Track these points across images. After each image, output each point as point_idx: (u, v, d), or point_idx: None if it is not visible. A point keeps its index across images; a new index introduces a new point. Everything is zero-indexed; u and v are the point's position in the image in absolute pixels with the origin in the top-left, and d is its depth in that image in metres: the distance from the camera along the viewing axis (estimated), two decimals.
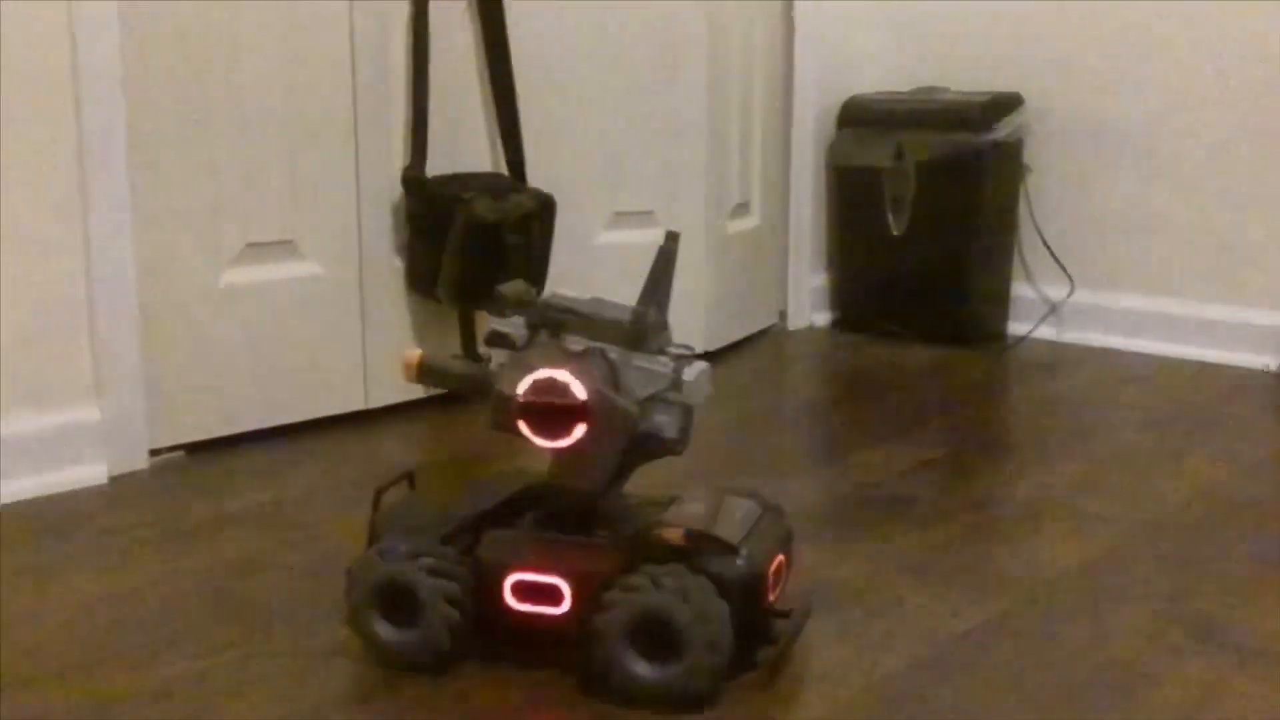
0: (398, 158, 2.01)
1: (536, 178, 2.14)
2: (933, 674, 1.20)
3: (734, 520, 1.18)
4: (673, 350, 1.18)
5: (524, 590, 1.17)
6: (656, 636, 1.09)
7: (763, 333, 2.65)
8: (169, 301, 1.79)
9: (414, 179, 2.00)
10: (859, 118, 2.64)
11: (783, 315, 2.72)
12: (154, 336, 1.77)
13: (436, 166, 2.03)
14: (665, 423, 1.15)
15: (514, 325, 1.18)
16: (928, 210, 2.54)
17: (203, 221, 1.81)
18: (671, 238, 1.18)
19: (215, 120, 1.80)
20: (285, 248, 1.90)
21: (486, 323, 1.20)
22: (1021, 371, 2.42)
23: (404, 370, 1.22)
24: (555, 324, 1.17)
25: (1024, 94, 2.58)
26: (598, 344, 1.16)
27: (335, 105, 1.92)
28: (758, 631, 1.19)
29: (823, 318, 2.75)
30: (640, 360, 1.16)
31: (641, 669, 1.11)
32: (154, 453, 1.79)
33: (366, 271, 1.99)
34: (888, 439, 1.95)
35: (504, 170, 2.13)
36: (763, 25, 2.52)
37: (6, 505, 1.61)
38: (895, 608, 1.34)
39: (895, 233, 2.58)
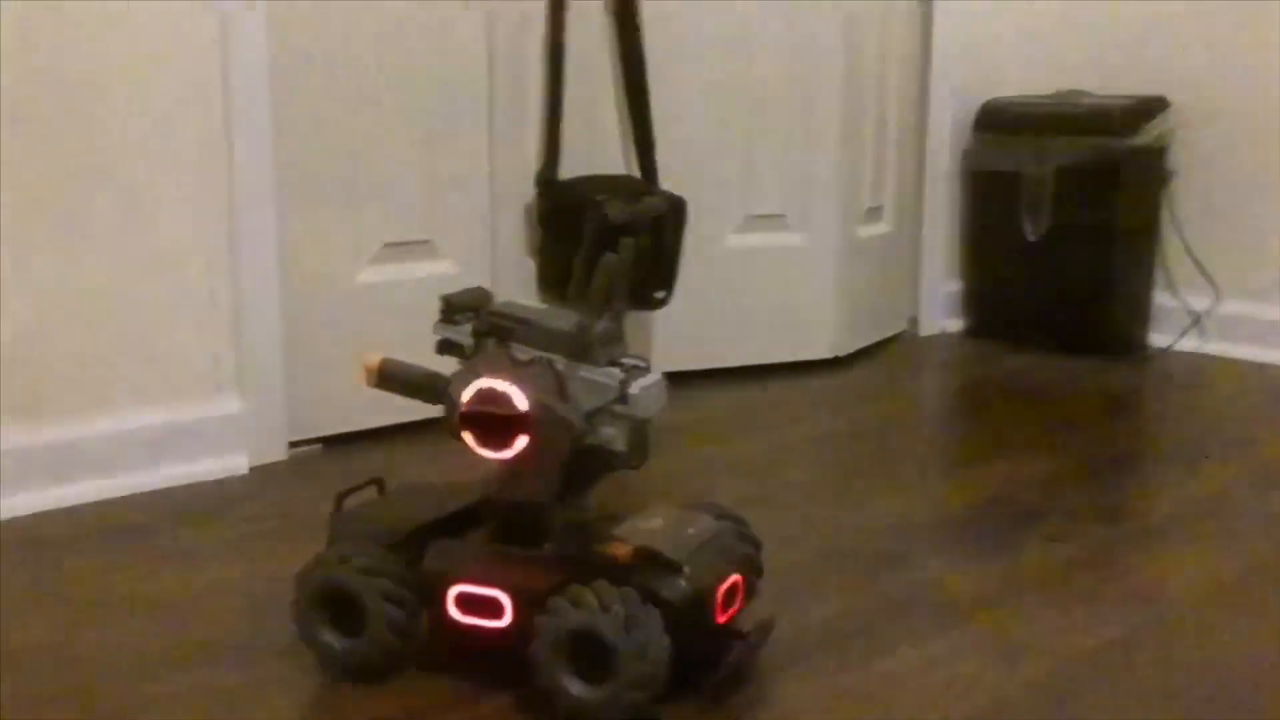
0: (531, 160, 2.04)
1: (669, 180, 2.15)
2: (1059, 692, 1.17)
3: (683, 537, 1.15)
4: (626, 362, 1.14)
5: (466, 602, 1.15)
6: (589, 654, 1.07)
7: (893, 339, 2.62)
8: (309, 299, 1.84)
9: (547, 181, 2.03)
10: (997, 121, 2.59)
11: (913, 321, 2.69)
12: (294, 333, 1.82)
13: (570, 169, 2.05)
14: (613, 435, 1.12)
15: (462, 333, 1.16)
16: (1066, 216, 2.48)
17: (343, 222, 1.86)
18: (625, 247, 1.15)
19: (356, 123, 1.85)
20: (422, 247, 1.94)
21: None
22: (1161, 383, 2.36)
23: (365, 375, 1.20)
24: (502, 332, 1.15)
25: (1170, 98, 2.51)
26: (545, 354, 1.13)
27: (472, 108, 1.96)
28: (706, 652, 1.14)
29: (955, 324, 2.71)
30: (587, 372, 1.12)
31: (575, 687, 1.08)
32: (293, 445, 1.84)
33: (499, 271, 2.02)
34: (1019, 449, 1.91)
35: (636, 172, 2.15)
36: (900, 27, 2.49)
37: (155, 491, 1.68)
38: (1023, 623, 1.32)
39: (1032, 239, 2.53)
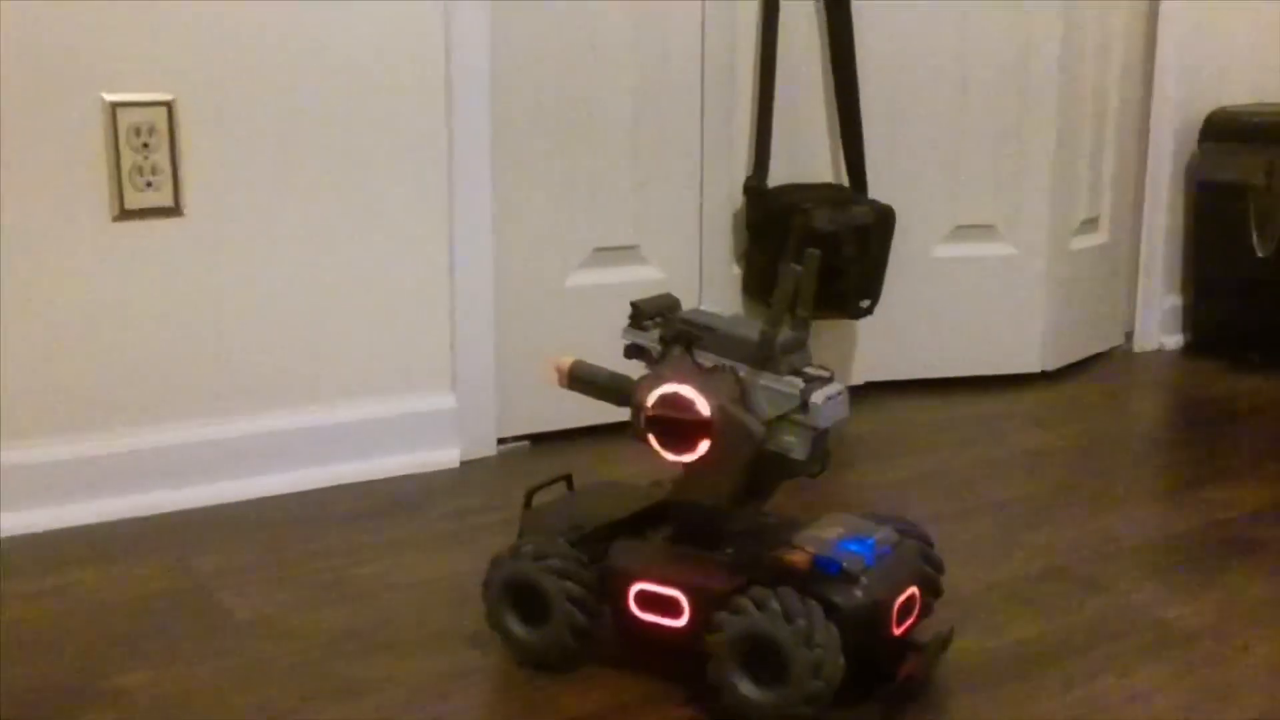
0: (740, 167, 2.06)
1: (877, 189, 2.13)
2: None
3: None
4: (809, 371, 1.15)
5: (646, 600, 1.18)
6: (764, 659, 1.08)
7: (1106, 354, 2.54)
8: (520, 301, 1.90)
9: (755, 188, 2.04)
10: (1225, 131, 2.48)
11: (1129, 336, 2.60)
12: (506, 333, 1.88)
13: (778, 177, 2.06)
14: (793, 444, 1.13)
15: (650, 338, 1.19)
16: None
17: (555, 227, 1.91)
18: (810, 258, 1.15)
19: (570, 130, 1.90)
20: (630, 253, 1.98)
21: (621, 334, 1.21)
22: None
23: (556, 376, 1.25)
24: (688, 339, 1.16)
25: None
26: (728, 361, 1.15)
27: (683, 116, 1.98)
28: (880, 664, 1.14)
29: (1173, 341, 2.61)
30: (768, 380, 1.13)
31: (747, 689, 1.10)
32: (501, 441, 1.90)
33: (706, 278, 2.04)
34: (1240, 475, 1.83)
35: (845, 181, 2.14)
36: (1122, 31, 2.41)
37: (371, 481, 1.76)
38: (1236, 659, 1.26)
39: (1260, 254, 2.41)
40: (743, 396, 1.14)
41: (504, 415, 1.90)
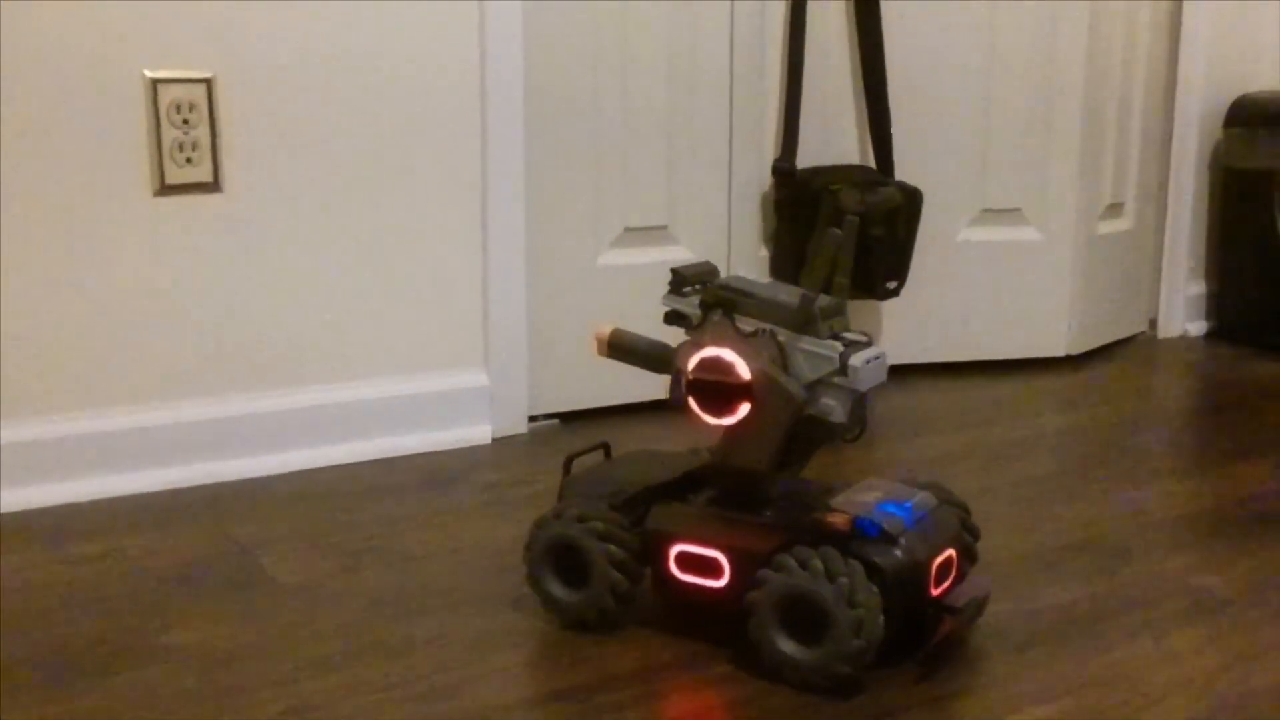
0: (769, 149, 2.08)
1: (904, 171, 2.14)
2: None
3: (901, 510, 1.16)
4: (847, 336, 1.16)
5: (686, 561, 1.19)
6: (805, 617, 1.10)
7: (1130, 339, 2.55)
8: (552, 280, 1.92)
9: (784, 170, 2.05)
10: (1251, 117, 2.49)
11: (1153, 323, 2.61)
12: (538, 312, 1.90)
13: (806, 159, 2.08)
14: (832, 407, 1.14)
15: (689, 304, 1.20)
16: None
17: (586, 206, 1.93)
18: (849, 225, 1.16)
19: (602, 111, 1.92)
20: (660, 233, 2.00)
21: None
22: None
23: (595, 344, 1.27)
24: (728, 304, 1.17)
25: None
26: (768, 326, 1.16)
27: (712, 98, 2.00)
28: (919, 624, 1.16)
29: (1197, 327, 2.61)
30: (808, 344, 1.14)
31: (789, 647, 1.11)
32: (532, 419, 1.92)
33: (734, 258, 2.06)
34: (1265, 453, 1.84)
35: (872, 163, 2.16)
36: (1148, 16, 2.42)
37: (407, 455, 1.78)
38: (1270, 622, 1.28)
39: None
40: (783, 360, 1.15)
41: (535, 393, 1.92)
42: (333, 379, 1.76)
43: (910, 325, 2.24)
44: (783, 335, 1.16)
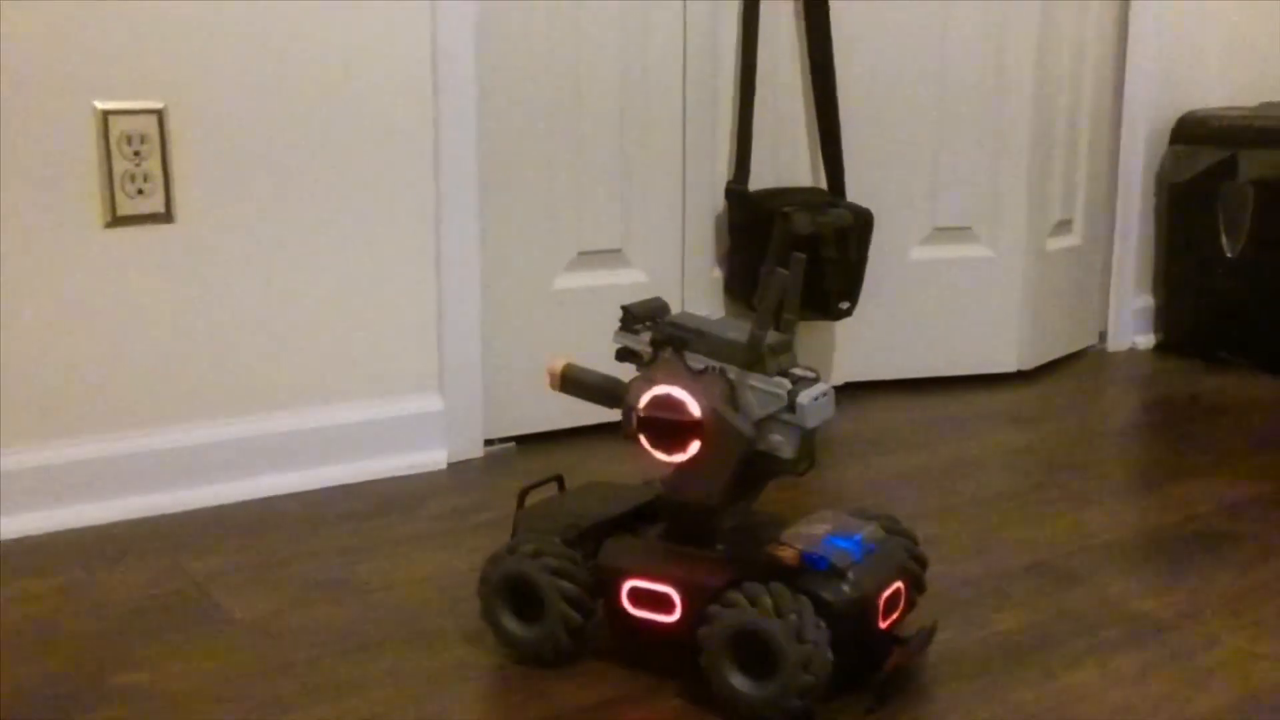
0: (722, 172, 2.09)
1: (856, 192, 2.17)
2: (1249, 718, 1.16)
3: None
4: (795, 372, 1.18)
5: (638, 596, 1.21)
6: (756, 653, 1.11)
7: (1080, 353, 2.58)
8: (507, 304, 1.93)
9: (736, 192, 2.07)
10: (1194, 134, 2.53)
11: (1102, 336, 2.65)
12: (492, 335, 1.91)
13: (759, 180, 2.09)
14: (781, 443, 1.16)
15: (640, 341, 1.22)
16: (1268, 232, 2.41)
17: (541, 231, 1.94)
18: (796, 263, 1.18)
19: (555, 136, 1.93)
20: (614, 256, 2.01)
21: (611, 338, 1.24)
22: None
23: (548, 378, 1.28)
24: (678, 342, 1.19)
25: None
26: (718, 363, 1.18)
27: (665, 121, 2.02)
28: (868, 657, 1.18)
29: (1146, 340, 2.66)
30: (757, 381, 1.16)
31: (740, 682, 1.12)
32: (488, 443, 1.93)
33: (688, 280, 2.08)
34: (1211, 470, 1.87)
35: (824, 185, 2.18)
36: (1095, 37, 2.45)
37: (360, 483, 1.79)
38: (1212, 647, 1.30)
39: (1230, 255, 2.46)
40: (732, 397, 1.17)
41: (491, 417, 1.93)
42: (287, 406, 1.76)
43: (863, 344, 2.26)
44: (732, 373, 1.17)
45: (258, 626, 1.34)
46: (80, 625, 1.34)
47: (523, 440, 1.97)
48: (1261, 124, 2.45)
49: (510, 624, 1.25)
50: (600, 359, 1.27)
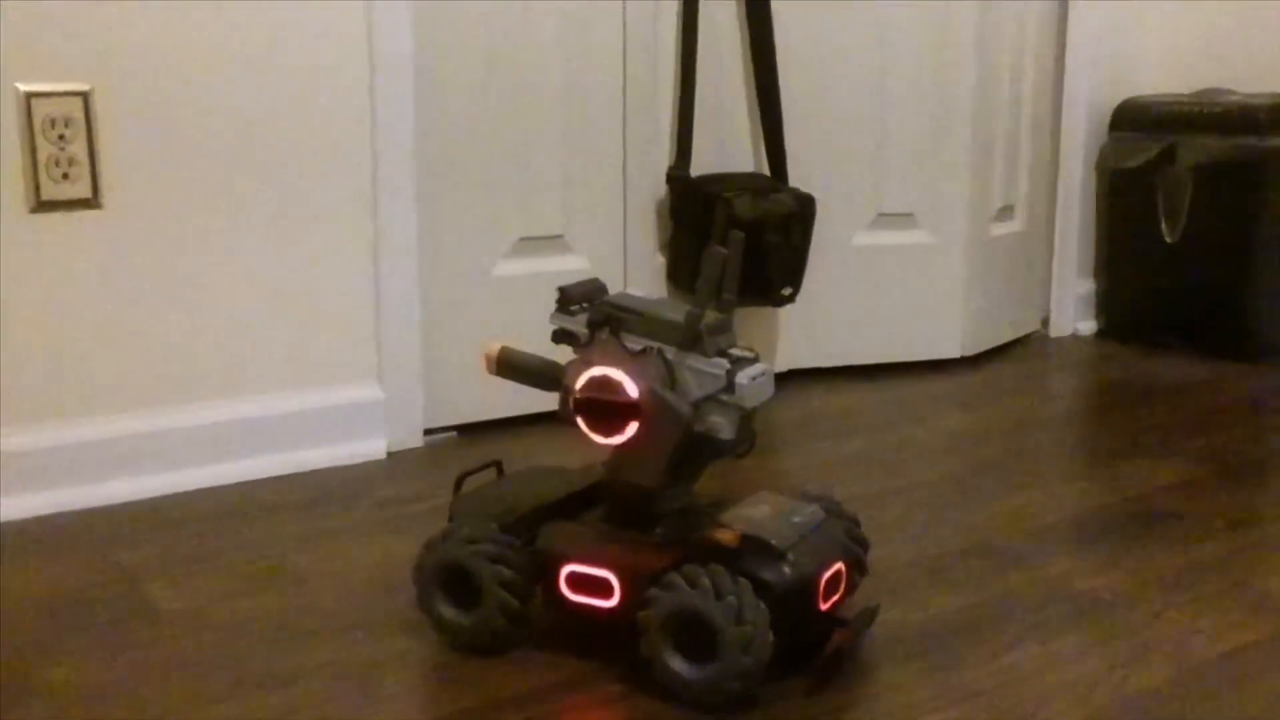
0: (663, 158, 2.08)
1: (798, 178, 2.16)
2: (1188, 693, 1.17)
3: (789, 525, 1.16)
4: (734, 353, 1.17)
5: (577, 581, 1.19)
6: (695, 635, 1.10)
7: (1024, 339, 2.60)
8: (447, 291, 1.90)
9: (678, 178, 2.06)
10: (1134, 120, 2.55)
11: (1045, 322, 2.66)
12: (432, 323, 1.88)
13: (700, 166, 2.08)
14: (720, 424, 1.14)
15: (577, 323, 1.20)
16: (1205, 218, 2.43)
17: (481, 217, 1.92)
18: (734, 240, 1.16)
19: (495, 122, 1.90)
20: (555, 242, 1.99)
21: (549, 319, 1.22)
22: None
23: (485, 362, 1.26)
24: (615, 322, 1.18)
25: None
26: (655, 344, 1.16)
27: (607, 107, 2.00)
28: (808, 638, 1.17)
29: (1087, 326, 2.67)
30: (695, 362, 1.15)
31: (680, 666, 1.12)
32: (428, 432, 1.90)
33: (631, 266, 2.06)
34: (1152, 452, 1.88)
35: (766, 170, 2.17)
36: (1035, 24, 2.46)
37: (299, 473, 1.75)
38: (1150, 625, 1.31)
39: (1169, 240, 2.48)
40: (670, 378, 1.16)
41: (431, 406, 1.90)
42: (222, 395, 1.73)
43: (806, 330, 2.26)
44: (670, 353, 1.16)
45: (189, 618, 1.31)
46: (5, 620, 1.30)
47: (464, 429, 1.94)
48: (1197, 110, 2.47)
49: (447, 611, 1.23)
50: (542, 347, 1.25)
